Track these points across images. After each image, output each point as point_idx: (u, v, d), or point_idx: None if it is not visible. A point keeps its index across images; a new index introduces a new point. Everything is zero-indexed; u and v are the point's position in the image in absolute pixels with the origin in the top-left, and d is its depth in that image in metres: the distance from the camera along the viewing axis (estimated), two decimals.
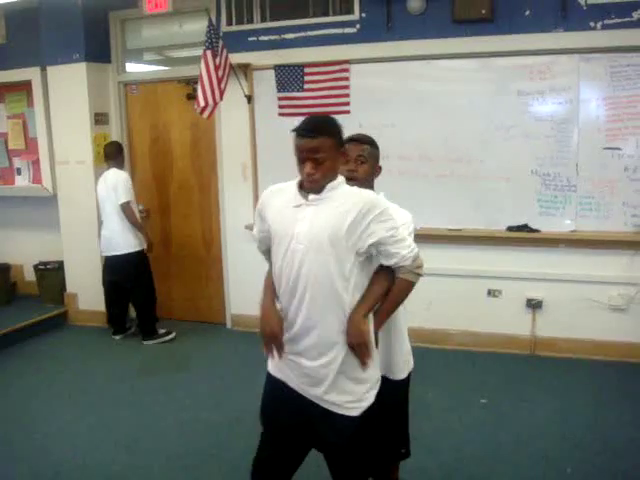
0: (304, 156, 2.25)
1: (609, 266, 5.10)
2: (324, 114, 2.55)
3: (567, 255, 5.18)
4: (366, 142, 2.71)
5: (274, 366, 2.46)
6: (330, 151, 2.25)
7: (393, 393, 2.55)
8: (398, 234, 2.31)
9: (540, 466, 3.61)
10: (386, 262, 2.34)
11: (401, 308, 2.67)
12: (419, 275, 2.53)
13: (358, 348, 2.28)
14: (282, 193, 2.40)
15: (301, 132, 2.25)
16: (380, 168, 2.78)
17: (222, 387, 4.86)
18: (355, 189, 2.34)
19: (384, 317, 2.51)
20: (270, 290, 2.47)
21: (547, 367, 5.11)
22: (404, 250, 2.32)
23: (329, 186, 2.29)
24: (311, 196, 2.30)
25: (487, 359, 5.30)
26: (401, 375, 2.74)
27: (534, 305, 5.33)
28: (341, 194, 2.29)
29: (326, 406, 2.32)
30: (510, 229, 5.25)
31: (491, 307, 5.46)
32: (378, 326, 2.46)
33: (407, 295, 2.57)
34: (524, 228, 5.20)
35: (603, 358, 5.14)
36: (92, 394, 4.82)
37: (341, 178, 2.35)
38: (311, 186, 2.30)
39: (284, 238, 2.32)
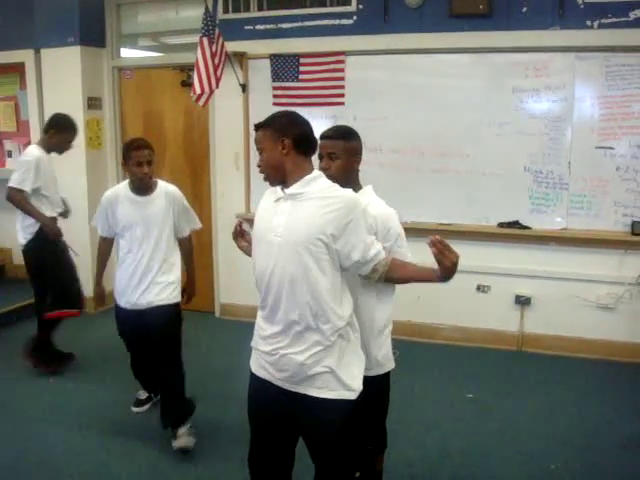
0: None
1: (598, 265, 5.12)
2: (284, 110, 2.57)
3: (557, 253, 5.20)
4: (338, 137, 2.67)
5: (256, 364, 2.46)
6: (265, 142, 2.34)
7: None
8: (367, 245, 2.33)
9: (525, 462, 3.63)
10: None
11: (374, 302, 2.67)
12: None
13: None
14: (272, 193, 2.43)
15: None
16: (357, 162, 2.73)
17: (210, 376, 4.85)
18: (334, 187, 2.33)
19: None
20: None
21: (534, 364, 5.13)
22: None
23: (305, 180, 2.30)
24: (287, 190, 2.32)
25: (474, 354, 5.32)
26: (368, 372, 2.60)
27: (523, 302, 5.34)
28: (319, 190, 2.29)
29: (313, 393, 2.31)
30: (501, 225, 5.26)
31: (480, 303, 5.47)
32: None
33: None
34: (515, 225, 5.21)
35: (590, 356, 5.16)
36: (79, 378, 4.80)
37: (317, 172, 2.37)
38: (264, 180, 2.40)
39: (263, 231, 2.36)
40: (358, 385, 2.36)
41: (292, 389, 2.34)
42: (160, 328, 3.77)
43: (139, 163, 3.65)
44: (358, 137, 2.76)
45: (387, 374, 2.80)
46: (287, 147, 2.29)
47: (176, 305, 3.88)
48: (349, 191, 2.34)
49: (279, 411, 2.41)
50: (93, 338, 5.68)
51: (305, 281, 2.24)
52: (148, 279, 3.75)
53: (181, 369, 3.87)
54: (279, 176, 2.33)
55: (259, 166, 2.38)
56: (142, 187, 3.76)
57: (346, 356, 2.34)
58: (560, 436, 3.92)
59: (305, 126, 2.36)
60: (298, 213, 2.27)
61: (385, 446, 3.04)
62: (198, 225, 4.10)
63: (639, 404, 4.38)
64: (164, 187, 3.85)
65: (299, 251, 2.23)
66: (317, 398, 2.31)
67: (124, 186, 3.82)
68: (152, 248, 3.76)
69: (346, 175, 2.61)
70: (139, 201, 3.77)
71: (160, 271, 3.79)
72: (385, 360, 2.76)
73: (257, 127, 2.37)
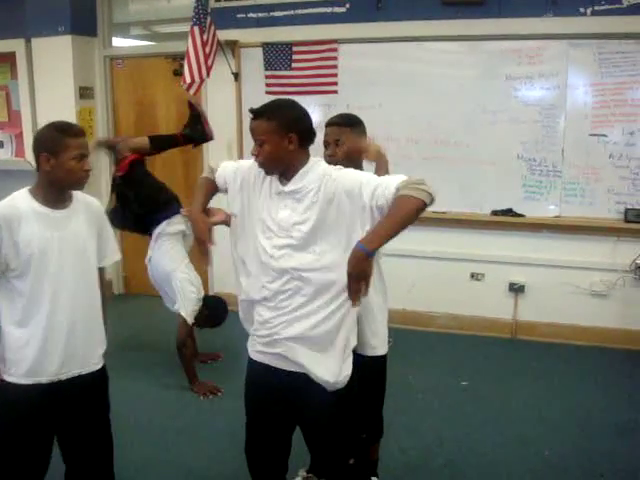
0: (252, 136, 2.29)
1: (592, 252, 5.13)
2: (281, 98, 2.47)
3: (550, 240, 5.21)
4: (345, 124, 2.70)
5: (253, 348, 2.46)
6: (268, 135, 2.20)
7: (358, 366, 2.51)
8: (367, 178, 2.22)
9: (518, 448, 3.65)
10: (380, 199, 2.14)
11: (371, 290, 2.62)
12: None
13: (350, 279, 2.07)
14: (259, 177, 2.37)
15: (249, 112, 2.27)
16: (360, 152, 2.76)
17: (204, 365, 4.85)
18: (321, 169, 2.30)
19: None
20: (202, 194, 2.50)
21: (528, 351, 5.15)
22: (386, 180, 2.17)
23: (302, 171, 2.26)
24: (287, 186, 2.27)
25: (469, 342, 5.34)
26: (361, 350, 2.63)
27: (516, 289, 5.36)
28: (316, 180, 2.25)
29: (305, 374, 2.32)
30: (495, 213, 5.26)
31: (474, 290, 5.49)
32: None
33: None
34: (508, 212, 5.22)
35: (583, 343, 5.19)
36: None
37: (313, 160, 2.31)
38: (260, 168, 2.30)
39: (262, 226, 2.31)
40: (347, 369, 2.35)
41: (284, 368, 2.35)
42: (89, 407, 2.61)
43: (82, 156, 2.40)
44: (363, 125, 2.80)
45: (384, 358, 2.82)
46: (294, 143, 2.23)
47: (104, 368, 2.75)
48: (324, 165, 2.32)
49: (277, 396, 2.41)
50: None
51: (310, 275, 2.23)
52: (73, 338, 2.46)
53: None
54: (279, 169, 2.27)
55: (256, 155, 2.26)
56: (64, 194, 2.47)
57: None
58: (554, 423, 3.95)
59: (309, 119, 2.31)
60: (300, 209, 2.24)
61: (381, 435, 3.05)
62: (118, 256, 2.76)
63: (632, 390, 4.41)
64: (82, 197, 2.56)
65: (305, 246, 2.23)
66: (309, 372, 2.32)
67: (24, 196, 2.41)
68: (74, 289, 2.46)
69: (352, 162, 2.60)
70: (54, 217, 2.42)
71: (87, 323, 2.55)
72: (383, 342, 2.78)
73: (257, 115, 2.23)
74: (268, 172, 2.30)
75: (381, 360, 2.82)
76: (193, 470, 3.48)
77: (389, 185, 2.12)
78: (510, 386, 4.50)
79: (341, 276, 2.11)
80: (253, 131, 2.25)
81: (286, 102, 2.36)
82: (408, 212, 2.10)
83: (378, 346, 2.75)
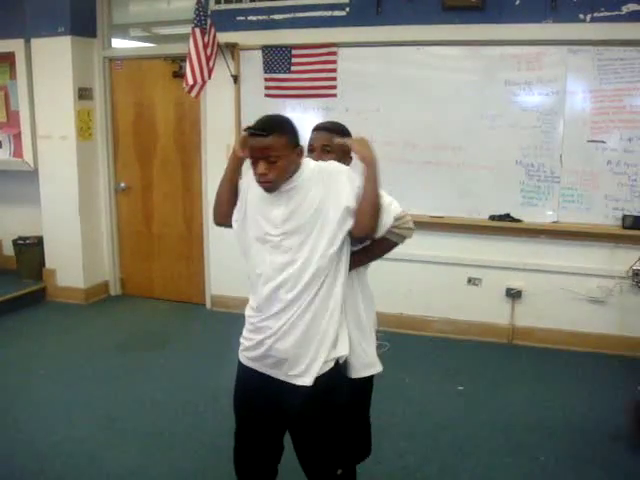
0: (256, 156, 2.20)
1: (589, 258, 5.14)
2: (270, 114, 2.36)
3: (548, 246, 5.21)
4: (334, 131, 2.58)
5: (243, 354, 2.46)
6: (283, 150, 2.17)
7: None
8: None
9: (514, 453, 3.64)
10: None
11: (361, 304, 2.52)
12: (403, 236, 2.47)
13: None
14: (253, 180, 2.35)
15: (252, 131, 2.19)
16: (350, 159, 2.64)
17: (200, 367, 4.85)
18: (316, 164, 2.32)
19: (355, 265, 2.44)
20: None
21: (524, 356, 5.15)
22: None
23: (295, 176, 2.25)
24: (285, 186, 2.25)
25: (465, 347, 5.33)
26: (349, 373, 2.53)
27: (513, 294, 5.35)
28: (308, 176, 2.25)
29: (292, 381, 2.32)
30: (492, 218, 5.26)
31: (471, 295, 5.49)
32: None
33: (383, 253, 2.53)
34: (506, 218, 5.22)
35: (580, 349, 5.19)
36: (69, 371, 4.79)
37: (304, 162, 2.30)
38: (265, 187, 2.24)
39: (259, 227, 2.30)
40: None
41: (275, 375, 2.37)
42: None
43: None
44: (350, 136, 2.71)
45: (366, 382, 2.65)
46: (301, 154, 2.26)
47: None
48: (330, 162, 2.34)
49: (267, 400, 2.41)
50: (84, 330, 5.68)
51: (310, 271, 2.24)
52: None
53: None
54: (285, 182, 2.24)
55: (264, 174, 2.19)
56: None
57: None
58: (549, 428, 3.95)
59: None
60: (294, 203, 2.24)
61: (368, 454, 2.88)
62: None
63: (628, 396, 4.40)
64: None
65: (302, 240, 2.24)
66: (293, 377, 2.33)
67: None
68: None
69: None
70: None
71: None
72: (366, 360, 2.58)
73: (268, 132, 2.16)
74: (273, 190, 2.25)
75: (367, 381, 2.65)
76: (189, 474, 3.47)
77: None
78: (506, 391, 4.49)
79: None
80: (265, 149, 2.17)
81: (281, 117, 2.33)
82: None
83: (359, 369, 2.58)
